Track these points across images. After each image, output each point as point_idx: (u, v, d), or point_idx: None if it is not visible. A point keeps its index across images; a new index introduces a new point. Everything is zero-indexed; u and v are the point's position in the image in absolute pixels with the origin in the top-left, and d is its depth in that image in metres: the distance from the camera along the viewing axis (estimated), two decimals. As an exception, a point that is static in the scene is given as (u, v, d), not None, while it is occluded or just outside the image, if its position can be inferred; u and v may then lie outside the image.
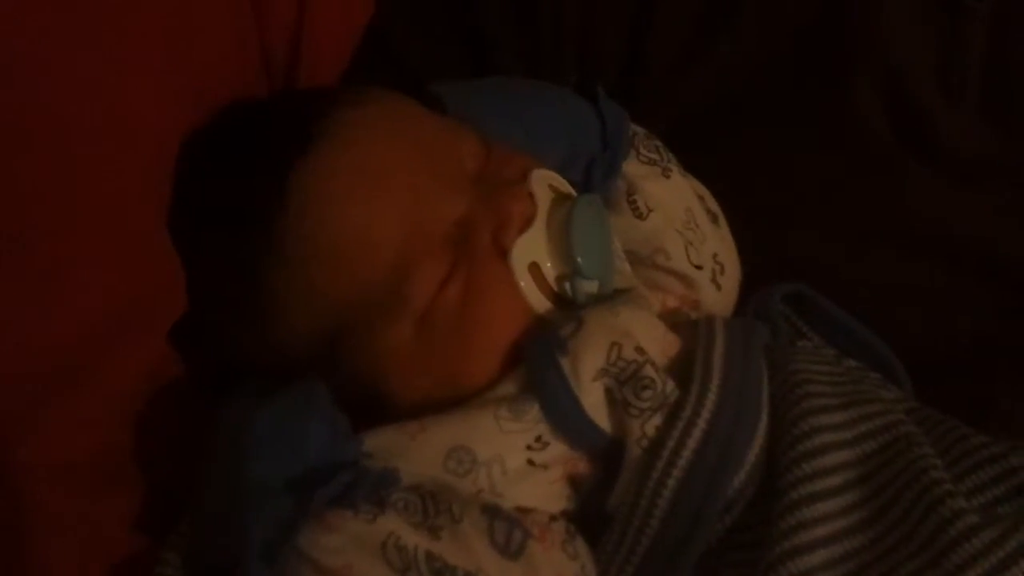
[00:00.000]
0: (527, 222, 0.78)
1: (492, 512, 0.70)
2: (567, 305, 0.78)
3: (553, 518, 0.73)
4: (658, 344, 0.77)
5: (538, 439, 0.73)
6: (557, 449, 0.73)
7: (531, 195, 0.79)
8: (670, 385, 0.74)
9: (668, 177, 0.89)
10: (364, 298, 0.76)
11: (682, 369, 0.76)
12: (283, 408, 0.70)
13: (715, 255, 0.88)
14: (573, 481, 0.75)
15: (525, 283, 0.77)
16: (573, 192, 0.83)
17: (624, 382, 0.73)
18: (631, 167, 0.89)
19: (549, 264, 0.78)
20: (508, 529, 0.69)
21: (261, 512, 0.66)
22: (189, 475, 0.72)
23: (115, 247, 0.73)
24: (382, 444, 0.71)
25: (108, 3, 0.73)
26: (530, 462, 0.72)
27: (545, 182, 0.81)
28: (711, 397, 0.73)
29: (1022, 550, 0.67)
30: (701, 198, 0.90)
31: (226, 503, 0.69)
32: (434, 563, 0.66)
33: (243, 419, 0.70)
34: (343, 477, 0.67)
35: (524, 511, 0.72)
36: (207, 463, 0.71)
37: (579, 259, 0.77)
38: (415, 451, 0.71)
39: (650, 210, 0.87)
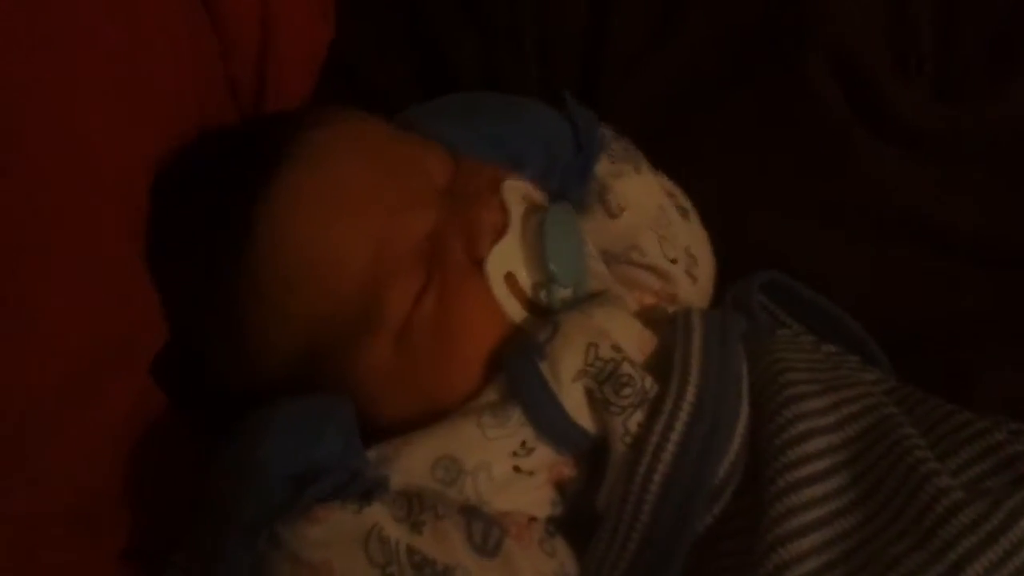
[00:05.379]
0: (500, 232, 0.78)
1: (470, 512, 0.71)
2: (543, 312, 0.78)
3: (532, 519, 0.74)
4: (635, 341, 0.77)
5: (523, 444, 0.73)
6: (542, 453, 0.74)
7: (503, 205, 0.79)
8: (649, 381, 0.75)
9: (638, 175, 0.90)
10: (340, 318, 0.76)
11: (661, 364, 0.76)
12: (307, 407, 0.72)
13: (687, 248, 0.89)
14: (559, 486, 0.75)
15: (500, 292, 0.77)
16: (545, 201, 0.83)
17: (603, 381, 0.74)
18: (602, 167, 0.90)
19: (524, 273, 0.78)
20: (485, 528, 0.70)
21: (255, 493, 0.67)
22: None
23: (90, 286, 0.73)
24: (370, 457, 0.72)
25: (69, 43, 0.73)
26: (516, 468, 0.73)
27: (517, 192, 0.81)
28: (691, 390, 0.74)
29: (1008, 523, 0.67)
30: (671, 195, 0.91)
31: (229, 480, 0.70)
32: (414, 557, 0.67)
33: (268, 410, 0.71)
34: (338, 476, 0.69)
35: (503, 512, 0.72)
36: (225, 444, 0.72)
37: (553, 267, 0.77)
38: (402, 462, 0.72)
39: (622, 208, 0.88)
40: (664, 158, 0.93)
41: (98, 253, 0.74)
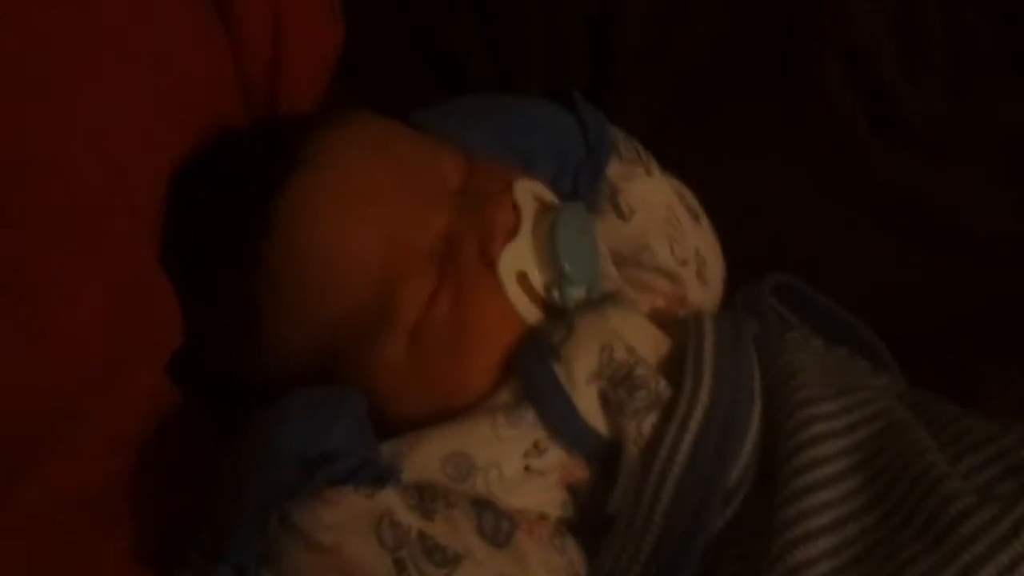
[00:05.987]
0: (512, 232, 0.78)
1: (481, 505, 0.71)
2: (556, 312, 0.78)
3: (543, 516, 0.74)
4: (648, 344, 0.78)
5: (535, 445, 0.74)
6: (555, 455, 0.74)
7: (515, 205, 0.79)
8: (663, 383, 0.75)
9: (649, 177, 0.90)
10: (355, 317, 0.77)
11: (674, 367, 0.77)
12: (321, 395, 0.72)
13: (697, 250, 0.89)
14: (571, 487, 0.75)
15: (514, 292, 0.77)
16: (557, 201, 0.83)
17: (617, 384, 0.74)
18: (612, 169, 0.90)
19: (537, 272, 0.78)
20: (496, 520, 0.70)
21: (267, 475, 0.68)
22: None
23: (110, 283, 0.73)
24: (383, 452, 0.72)
25: (89, 44, 0.73)
26: (527, 468, 0.73)
27: (529, 192, 0.81)
28: (704, 392, 0.74)
29: (1018, 529, 0.67)
30: (681, 196, 0.91)
31: (242, 464, 0.70)
32: (426, 542, 0.67)
33: (283, 399, 0.72)
34: (350, 461, 0.69)
35: (515, 509, 0.73)
36: (239, 432, 0.72)
37: (566, 266, 0.77)
38: (414, 456, 0.72)
39: (633, 211, 0.88)
40: (672, 154, 0.93)
41: (119, 252, 0.74)
